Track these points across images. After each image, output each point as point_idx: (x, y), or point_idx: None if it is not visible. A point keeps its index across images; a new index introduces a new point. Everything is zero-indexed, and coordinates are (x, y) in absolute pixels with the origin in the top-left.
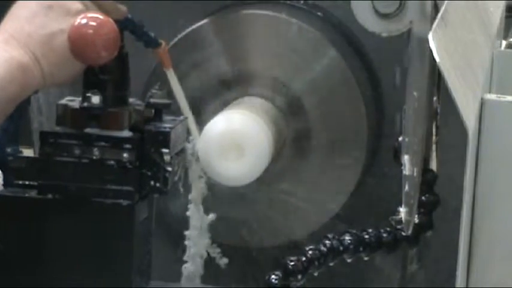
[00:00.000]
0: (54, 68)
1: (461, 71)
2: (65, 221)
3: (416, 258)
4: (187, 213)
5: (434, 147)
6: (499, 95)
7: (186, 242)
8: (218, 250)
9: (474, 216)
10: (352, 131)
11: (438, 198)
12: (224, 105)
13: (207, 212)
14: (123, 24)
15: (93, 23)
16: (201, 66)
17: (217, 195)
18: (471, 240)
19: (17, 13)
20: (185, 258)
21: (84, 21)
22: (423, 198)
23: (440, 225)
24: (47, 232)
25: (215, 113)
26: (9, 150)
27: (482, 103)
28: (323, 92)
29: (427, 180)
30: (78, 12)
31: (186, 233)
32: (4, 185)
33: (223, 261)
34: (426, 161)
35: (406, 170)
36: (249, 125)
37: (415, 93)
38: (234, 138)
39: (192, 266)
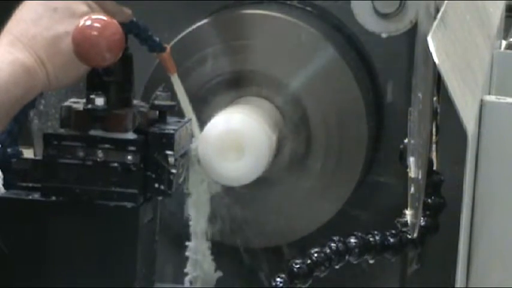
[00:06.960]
0: (59, 70)
1: (461, 73)
2: (68, 223)
3: (416, 259)
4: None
5: (434, 147)
6: (498, 97)
7: (188, 253)
8: (213, 264)
9: (474, 217)
10: (351, 130)
11: (444, 200)
12: (224, 105)
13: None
14: (128, 28)
15: (98, 25)
16: (201, 66)
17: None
18: (471, 240)
19: (22, 15)
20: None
21: (88, 22)
22: (429, 200)
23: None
24: (50, 235)
25: (215, 113)
26: (9, 150)
27: (482, 105)
28: (323, 92)
29: (433, 182)
30: (83, 15)
31: (187, 243)
32: (5, 186)
33: (217, 274)
34: (432, 163)
35: (412, 173)
36: (249, 125)
37: (419, 95)
38: (234, 138)
39: (194, 273)
